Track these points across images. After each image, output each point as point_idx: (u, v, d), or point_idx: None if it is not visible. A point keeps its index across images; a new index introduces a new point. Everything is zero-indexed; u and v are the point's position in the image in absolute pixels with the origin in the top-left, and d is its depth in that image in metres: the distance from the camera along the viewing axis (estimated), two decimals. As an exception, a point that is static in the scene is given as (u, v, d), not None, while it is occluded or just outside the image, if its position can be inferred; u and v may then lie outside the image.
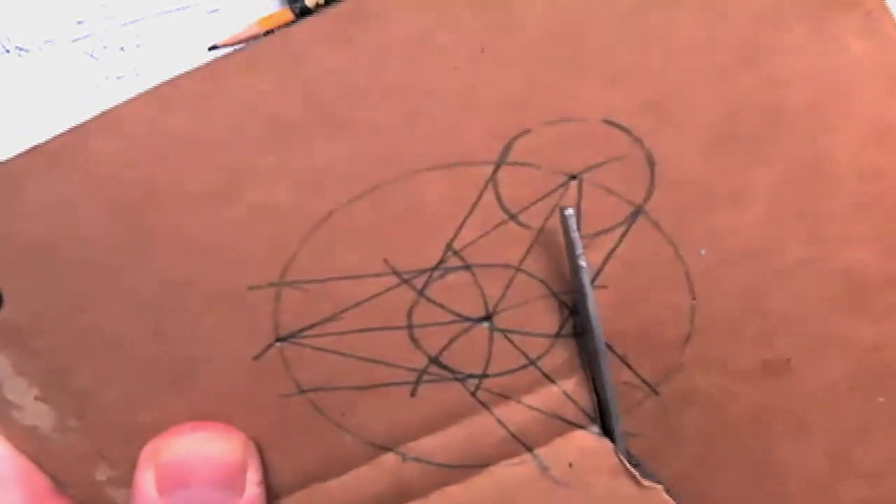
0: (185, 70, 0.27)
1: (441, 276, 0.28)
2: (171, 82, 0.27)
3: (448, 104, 0.27)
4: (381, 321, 0.28)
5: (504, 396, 0.28)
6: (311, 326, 0.27)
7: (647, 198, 0.27)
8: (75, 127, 0.27)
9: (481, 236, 0.28)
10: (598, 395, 0.28)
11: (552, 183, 0.28)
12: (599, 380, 0.27)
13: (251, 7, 0.39)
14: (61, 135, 0.27)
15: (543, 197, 0.28)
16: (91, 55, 0.38)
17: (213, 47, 0.38)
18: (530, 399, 0.28)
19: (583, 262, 0.26)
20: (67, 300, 0.27)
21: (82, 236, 0.27)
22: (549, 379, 0.28)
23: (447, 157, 0.27)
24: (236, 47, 0.38)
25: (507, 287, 0.28)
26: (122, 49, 0.38)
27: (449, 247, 0.27)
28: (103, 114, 0.27)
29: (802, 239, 0.27)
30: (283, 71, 0.27)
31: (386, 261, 0.27)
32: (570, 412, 0.28)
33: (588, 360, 0.28)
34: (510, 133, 0.27)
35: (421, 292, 0.27)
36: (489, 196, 0.27)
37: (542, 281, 0.28)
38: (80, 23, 0.38)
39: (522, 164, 0.27)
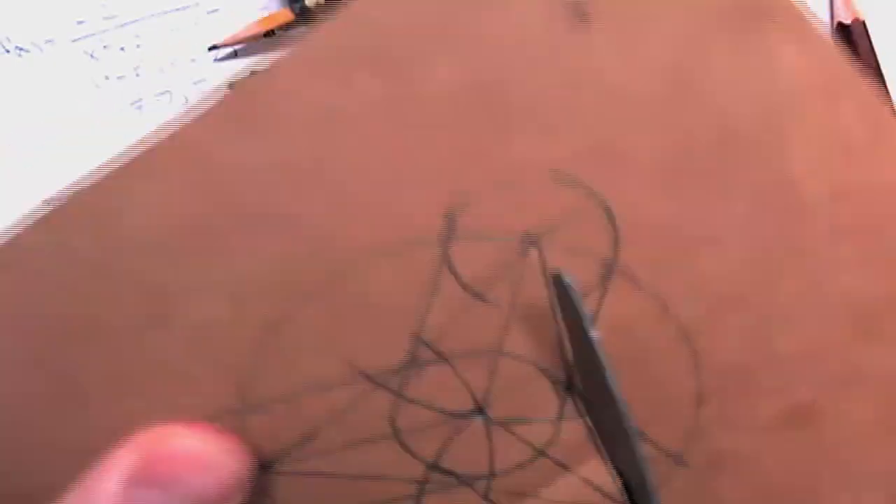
0: (77, 183, 0.23)
1: (417, 373, 0.25)
2: (67, 203, 0.23)
3: (375, 183, 0.24)
4: (363, 433, 0.25)
5: (520, 494, 0.26)
6: (288, 452, 0.25)
7: (616, 252, 0.26)
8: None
9: (449, 322, 0.25)
10: (621, 475, 0.26)
11: (510, 252, 0.25)
12: (629, 459, 0.25)
13: (251, 7, 0.39)
14: None
15: (505, 269, 0.25)
16: (91, 55, 0.38)
17: (213, 47, 0.38)
18: (549, 492, 0.26)
19: (595, 335, 0.23)
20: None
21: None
22: (563, 467, 0.26)
23: (388, 240, 0.24)
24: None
25: (493, 374, 0.26)
26: (122, 49, 0.38)
27: (418, 339, 0.25)
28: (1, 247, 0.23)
29: (790, 272, 0.26)
30: (188, 173, 0.23)
31: (351, 364, 0.25)
32: (595, 500, 0.26)
33: (603, 440, 0.26)
34: (450, 205, 0.25)
35: (399, 393, 0.25)
36: (446, 277, 0.25)
37: (528, 362, 0.26)
38: (80, 23, 0.38)
39: (472, 238, 0.25)
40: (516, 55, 0.25)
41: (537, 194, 0.25)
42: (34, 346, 0.23)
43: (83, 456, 0.23)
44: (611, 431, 0.26)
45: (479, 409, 0.26)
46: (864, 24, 0.38)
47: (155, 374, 0.24)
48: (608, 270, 0.26)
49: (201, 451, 0.23)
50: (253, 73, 0.24)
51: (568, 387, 0.26)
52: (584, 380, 0.26)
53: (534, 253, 0.25)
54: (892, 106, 0.27)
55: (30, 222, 0.23)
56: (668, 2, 0.25)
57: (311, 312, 0.24)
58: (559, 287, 0.24)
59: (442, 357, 0.25)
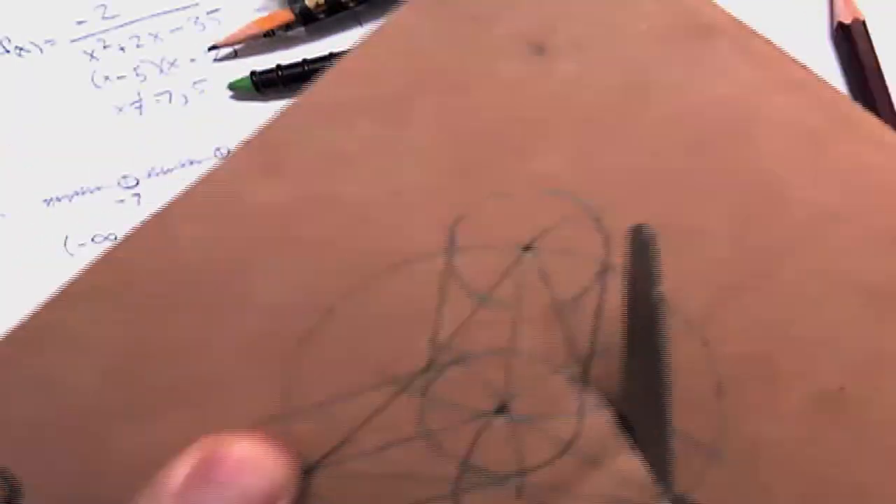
0: (132, 227, 0.27)
1: (438, 375, 0.27)
2: (114, 249, 0.27)
3: (382, 206, 0.27)
4: (396, 434, 0.27)
5: (553, 490, 0.27)
6: (329, 455, 0.27)
7: (609, 251, 0.27)
8: (47, 303, 0.27)
9: (461, 327, 0.27)
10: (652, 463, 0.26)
11: (508, 258, 0.27)
12: (660, 442, 0.26)
13: (251, 7, 0.39)
14: (33, 315, 0.27)
15: (506, 274, 0.27)
16: (91, 55, 0.38)
17: (213, 47, 0.38)
18: (583, 487, 0.27)
19: (659, 291, 0.24)
20: (74, 476, 0.27)
21: (75, 405, 0.27)
22: (593, 462, 0.27)
23: (395, 257, 0.27)
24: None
25: (509, 373, 0.27)
26: (122, 49, 0.38)
27: (434, 343, 0.27)
28: (73, 282, 0.27)
29: (788, 260, 0.27)
30: (224, 213, 0.27)
31: (378, 371, 0.27)
32: (633, 491, 0.27)
33: (635, 425, 0.27)
34: (448, 220, 0.27)
35: (425, 395, 0.27)
36: (454, 286, 0.27)
37: (541, 360, 0.27)
38: (80, 23, 0.38)
39: (473, 248, 0.27)
40: (489, 88, 0.28)
41: (527, 205, 0.27)
42: (105, 365, 0.27)
43: (149, 465, 0.26)
44: (640, 414, 0.26)
45: (502, 408, 0.27)
46: (864, 23, 0.38)
47: (209, 386, 0.27)
48: (603, 268, 0.27)
49: (253, 456, 0.25)
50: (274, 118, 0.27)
51: (585, 380, 0.27)
52: (630, 342, 0.26)
53: (530, 258, 0.27)
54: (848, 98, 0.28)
55: (98, 257, 0.27)
56: (619, 29, 0.28)
57: (336, 325, 0.27)
58: (638, 243, 0.25)
59: (459, 360, 0.27)
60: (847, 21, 0.38)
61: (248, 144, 0.28)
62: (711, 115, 0.27)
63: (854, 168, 0.27)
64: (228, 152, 0.27)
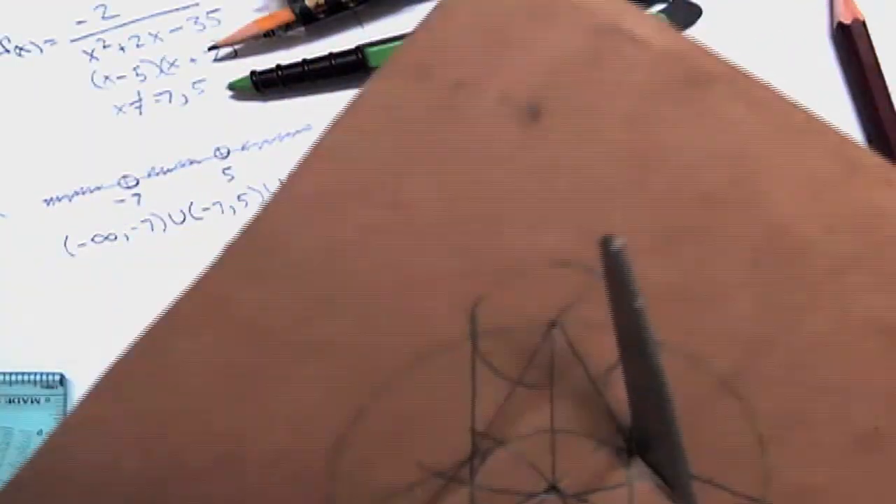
0: (132, 343, 0.26)
1: (482, 463, 0.26)
2: (116, 368, 0.26)
3: (393, 297, 0.26)
4: None
5: None
6: None
7: None
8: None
9: (498, 412, 0.26)
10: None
11: (535, 336, 0.26)
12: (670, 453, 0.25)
13: (251, 7, 0.39)
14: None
15: (535, 353, 0.26)
16: (91, 55, 0.38)
17: (213, 47, 0.38)
18: None
19: (640, 302, 0.23)
20: None
21: None
22: None
23: (420, 348, 0.26)
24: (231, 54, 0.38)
25: (552, 452, 0.26)
26: (121, 49, 0.38)
27: (474, 431, 0.26)
28: (74, 413, 0.26)
29: (810, 308, 0.26)
30: (214, 325, 0.26)
31: (421, 465, 0.26)
32: None
33: (649, 442, 0.26)
34: (467, 303, 0.26)
35: (472, 484, 0.26)
36: (485, 370, 0.26)
37: (582, 434, 0.26)
38: (80, 23, 0.38)
39: (497, 330, 0.26)
40: (484, 160, 0.26)
41: (543, 280, 0.26)
42: (127, 495, 0.26)
43: None
44: (655, 426, 0.26)
45: (552, 487, 0.26)
46: (863, 24, 0.38)
47: None
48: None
49: None
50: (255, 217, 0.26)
51: (630, 450, 0.26)
52: (625, 358, 0.26)
53: (558, 333, 0.26)
54: (853, 139, 0.27)
55: (94, 385, 0.26)
56: (613, 84, 0.26)
57: (369, 426, 0.26)
58: (609, 256, 0.23)
59: (501, 444, 0.26)
60: (847, 21, 0.38)
61: (231, 249, 0.26)
62: (717, 169, 0.26)
63: (866, 211, 0.27)
64: (215, 258, 0.26)
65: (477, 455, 0.26)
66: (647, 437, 0.26)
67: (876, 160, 0.27)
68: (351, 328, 0.26)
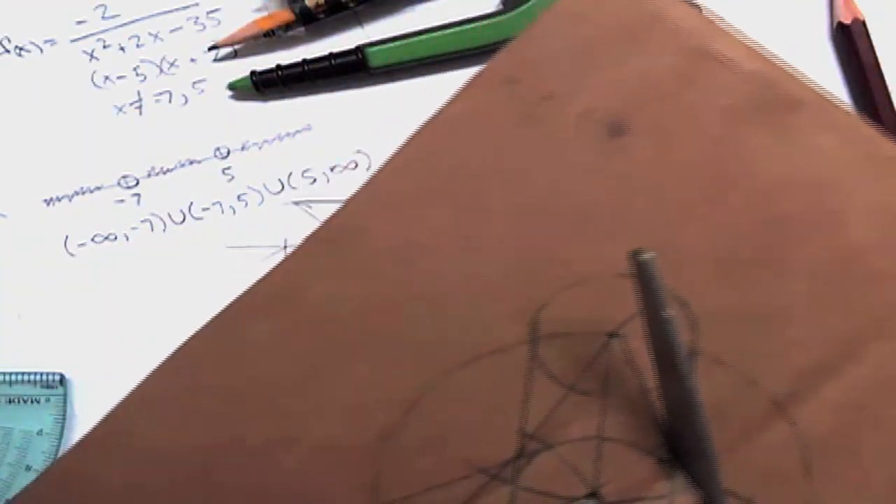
0: (203, 324, 0.27)
1: (527, 464, 0.26)
2: (192, 343, 0.27)
3: (458, 298, 0.27)
4: None
5: None
6: None
7: (696, 336, 0.27)
8: (113, 411, 0.27)
9: (549, 416, 0.27)
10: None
11: (593, 345, 0.27)
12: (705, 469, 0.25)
13: (251, 7, 0.39)
14: (101, 422, 0.27)
15: (592, 361, 0.27)
16: (91, 55, 0.38)
17: (213, 47, 0.38)
18: None
19: (669, 313, 0.24)
20: None
21: None
22: None
23: (479, 349, 0.27)
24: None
25: (597, 459, 0.27)
26: (121, 49, 0.38)
27: (523, 432, 0.27)
28: (140, 387, 0.27)
29: (873, 340, 0.26)
30: (286, 311, 0.27)
31: (467, 461, 0.26)
32: None
33: (681, 453, 0.27)
34: (529, 309, 0.27)
35: (515, 484, 0.26)
36: (540, 375, 0.27)
37: (630, 444, 0.27)
38: (79, 23, 0.38)
39: (556, 336, 0.27)
40: (564, 171, 0.27)
41: (608, 291, 0.27)
42: (188, 470, 0.26)
43: None
44: (690, 442, 0.26)
45: (593, 494, 0.26)
46: (864, 23, 0.38)
47: (292, 489, 0.26)
48: (692, 352, 0.26)
49: None
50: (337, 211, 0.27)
51: (673, 463, 0.26)
52: (660, 371, 0.26)
53: (616, 343, 0.27)
54: None
55: (161, 362, 0.27)
56: (700, 106, 0.27)
57: (420, 419, 0.27)
58: (638, 267, 0.24)
59: (548, 447, 0.26)
60: (847, 21, 0.38)
61: (311, 238, 0.27)
62: (797, 194, 0.26)
63: None
64: (291, 247, 0.27)
65: (522, 456, 0.26)
66: (683, 449, 0.26)
67: None
68: (412, 325, 0.27)
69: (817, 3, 0.39)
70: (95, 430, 0.27)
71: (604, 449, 0.27)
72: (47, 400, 0.34)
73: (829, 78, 0.38)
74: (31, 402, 0.34)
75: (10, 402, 0.34)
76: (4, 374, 0.34)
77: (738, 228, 0.27)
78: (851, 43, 0.38)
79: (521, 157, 0.27)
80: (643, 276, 0.24)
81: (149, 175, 0.37)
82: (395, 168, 0.27)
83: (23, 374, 0.34)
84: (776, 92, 0.27)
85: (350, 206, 0.27)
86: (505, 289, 0.27)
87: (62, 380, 0.34)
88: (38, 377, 0.34)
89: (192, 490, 0.26)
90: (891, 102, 0.37)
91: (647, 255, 0.23)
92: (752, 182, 0.27)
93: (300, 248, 0.27)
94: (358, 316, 0.27)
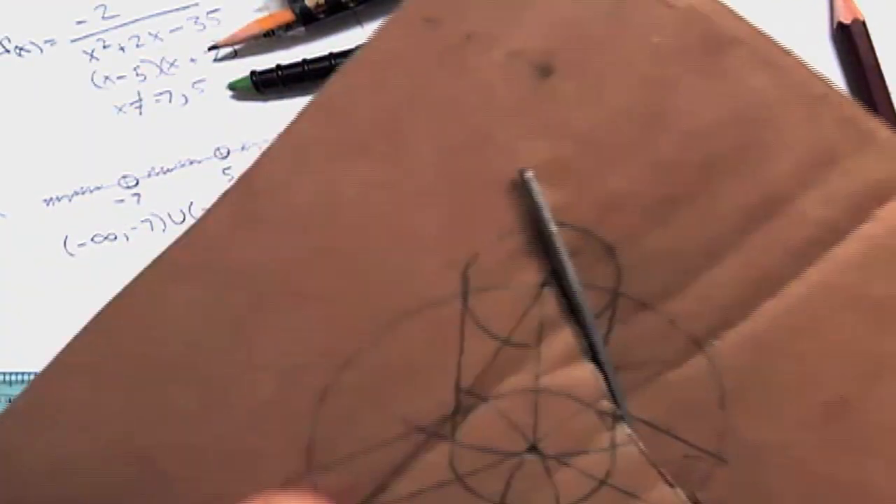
0: (121, 290, 0.26)
1: (466, 420, 0.26)
2: (110, 307, 0.26)
3: (386, 253, 0.26)
4: (429, 481, 0.26)
5: None
6: None
7: (620, 281, 0.27)
8: (40, 377, 0.26)
9: (485, 370, 0.26)
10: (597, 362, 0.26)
11: (525, 297, 0.27)
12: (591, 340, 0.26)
13: (251, 7, 0.39)
14: (28, 390, 0.26)
15: (525, 313, 0.26)
16: (91, 55, 0.38)
17: (213, 47, 0.38)
18: None
19: (553, 228, 0.25)
20: None
21: (86, 484, 0.26)
22: (629, 495, 0.27)
23: (409, 304, 0.26)
24: (232, 47, 0.38)
25: (536, 412, 0.27)
26: (121, 49, 0.38)
27: (458, 387, 0.26)
28: (64, 354, 0.26)
29: (787, 276, 0.27)
30: (207, 272, 0.26)
31: (404, 419, 0.26)
32: None
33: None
34: (459, 261, 0.26)
35: (453, 440, 0.26)
36: (472, 328, 0.26)
37: (567, 395, 0.27)
38: (79, 23, 0.38)
39: (488, 289, 0.26)
40: (491, 116, 0.26)
41: (538, 241, 0.26)
42: (112, 435, 0.26)
43: None
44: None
45: (533, 447, 0.26)
46: (864, 23, 0.38)
47: (226, 451, 0.26)
48: (614, 297, 0.26)
49: None
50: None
51: (616, 414, 0.26)
52: (556, 284, 0.26)
53: (548, 293, 0.26)
54: (874, 114, 0.27)
55: (81, 330, 0.26)
56: (630, 48, 0.26)
57: (355, 378, 0.26)
58: (522, 184, 0.25)
59: (485, 401, 0.26)
60: (847, 21, 0.38)
61: (229, 196, 0.26)
62: (726, 135, 0.26)
63: (872, 188, 0.26)
64: (209, 208, 0.26)
65: (459, 412, 0.26)
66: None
67: (890, 134, 0.26)
68: (342, 281, 0.26)
69: (817, 3, 0.39)
70: (17, 402, 0.26)
71: (542, 402, 0.26)
72: (47, 400, 0.34)
73: (829, 78, 0.38)
74: (31, 402, 0.34)
75: (10, 402, 0.34)
76: (4, 374, 0.34)
77: (668, 171, 0.26)
78: (851, 43, 0.37)
79: (445, 102, 0.26)
80: (527, 193, 0.24)
81: (149, 175, 0.37)
82: (313, 117, 0.26)
83: (23, 374, 0.34)
84: (710, 28, 0.26)
85: (267, 158, 0.26)
86: (434, 240, 0.26)
87: (62, 380, 0.34)
88: (37, 377, 0.34)
89: (117, 457, 0.26)
90: (891, 103, 0.37)
91: (528, 172, 0.24)
92: (682, 123, 0.26)
93: (217, 203, 0.26)
94: (282, 271, 0.26)
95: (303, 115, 0.26)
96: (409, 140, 0.26)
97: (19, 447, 0.26)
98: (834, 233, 0.26)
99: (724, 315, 0.27)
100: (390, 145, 0.26)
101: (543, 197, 0.25)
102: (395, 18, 0.26)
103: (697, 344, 0.27)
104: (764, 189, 0.26)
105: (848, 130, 0.26)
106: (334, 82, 0.26)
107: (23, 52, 0.38)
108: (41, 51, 0.38)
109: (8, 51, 0.37)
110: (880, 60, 0.37)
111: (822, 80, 0.26)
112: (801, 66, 0.26)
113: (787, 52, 0.26)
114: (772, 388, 0.27)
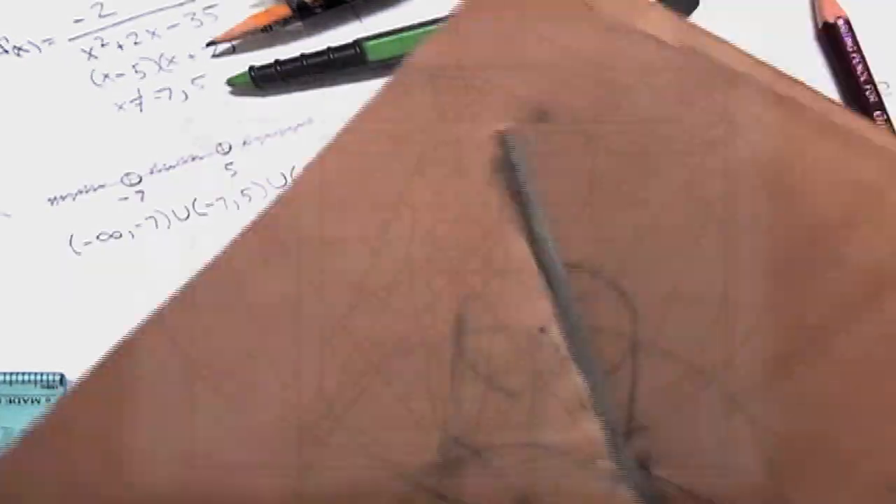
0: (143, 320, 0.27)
1: (453, 473, 0.25)
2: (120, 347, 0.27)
3: (382, 293, 0.26)
4: None
5: None
6: None
7: (635, 326, 0.25)
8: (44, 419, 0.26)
9: (476, 416, 0.25)
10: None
11: (523, 341, 0.26)
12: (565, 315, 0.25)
13: (248, 2, 0.39)
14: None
15: (522, 358, 0.26)
16: (89, 53, 0.38)
17: (212, 43, 0.38)
18: None
19: (530, 189, 0.25)
20: None
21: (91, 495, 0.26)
22: None
23: (404, 343, 0.26)
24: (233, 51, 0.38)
25: (531, 467, 0.25)
26: (120, 47, 0.38)
27: (447, 435, 0.25)
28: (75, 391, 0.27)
29: (848, 323, 0.25)
30: (223, 305, 0.27)
31: (389, 466, 0.25)
32: None
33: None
34: (457, 302, 0.26)
35: (439, 494, 0.25)
36: (466, 372, 0.26)
37: (563, 453, 0.25)
38: (77, 21, 0.38)
39: (484, 329, 0.26)
40: (489, 162, 0.26)
41: (540, 282, 0.26)
42: (112, 463, 0.26)
43: None
44: None
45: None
46: (848, 22, 0.38)
47: (219, 481, 0.26)
48: (632, 345, 0.25)
49: None
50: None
51: (614, 477, 0.25)
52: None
53: (546, 339, 0.26)
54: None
55: (103, 357, 0.27)
56: (626, 88, 0.26)
57: (345, 415, 0.25)
58: (503, 145, 0.25)
59: (475, 453, 0.25)
60: (831, 20, 0.38)
61: (248, 233, 0.27)
62: (743, 172, 0.25)
63: None
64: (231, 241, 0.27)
65: (448, 462, 0.25)
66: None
67: None
68: (336, 320, 0.26)
69: (801, 3, 0.40)
70: (36, 427, 0.26)
71: (537, 456, 0.25)
72: (47, 400, 0.34)
73: (816, 77, 0.38)
74: (31, 402, 0.34)
75: (10, 402, 0.34)
76: (4, 374, 0.34)
77: (675, 212, 0.25)
78: (836, 42, 0.38)
79: (448, 146, 0.27)
80: (508, 154, 0.25)
81: (151, 172, 0.37)
82: (328, 163, 0.27)
83: (23, 374, 0.34)
84: (709, 65, 0.25)
85: (286, 200, 0.27)
86: (433, 282, 0.26)
87: (62, 380, 0.34)
88: (38, 377, 0.34)
89: (127, 481, 0.26)
90: (880, 100, 0.37)
91: (510, 139, 0.25)
92: (686, 168, 0.25)
93: (238, 242, 0.27)
94: (290, 308, 0.26)
95: (313, 162, 0.27)
96: (415, 186, 0.26)
97: (40, 468, 0.26)
98: (885, 279, 0.24)
99: (764, 372, 0.25)
100: (395, 190, 0.27)
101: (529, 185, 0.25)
102: (400, 74, 0.27)
103: (734, 401, 0.25)
104: (795, 229, 0.25)
105: (881, 162, 0.25)
106: (346, 131, 0.27)
107: (21, 52, 0.37)
108: (39, 50, 0.37)
109: (6, 51, 0.37)
110: (866, 58, 0.37)
111: (841, 109, 0.25)
112: (816, 95, 0.25)
113: (797, 82, 0.25)
114: (829, 458, 0.24)
